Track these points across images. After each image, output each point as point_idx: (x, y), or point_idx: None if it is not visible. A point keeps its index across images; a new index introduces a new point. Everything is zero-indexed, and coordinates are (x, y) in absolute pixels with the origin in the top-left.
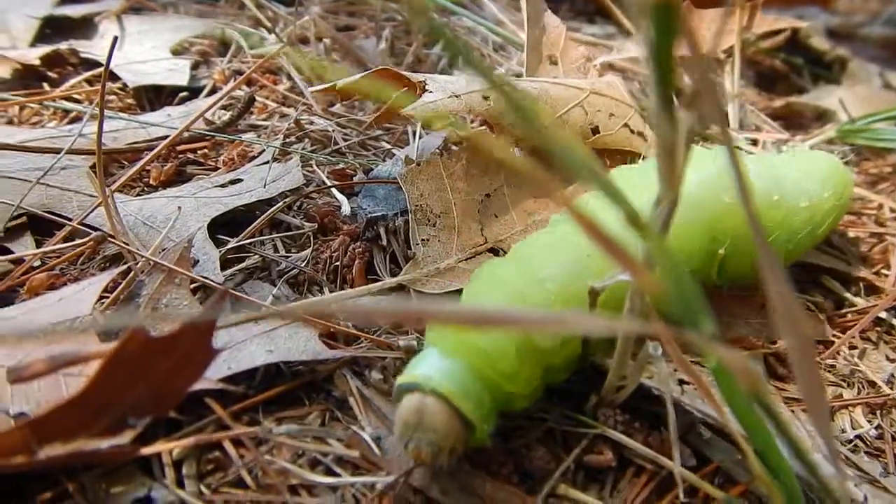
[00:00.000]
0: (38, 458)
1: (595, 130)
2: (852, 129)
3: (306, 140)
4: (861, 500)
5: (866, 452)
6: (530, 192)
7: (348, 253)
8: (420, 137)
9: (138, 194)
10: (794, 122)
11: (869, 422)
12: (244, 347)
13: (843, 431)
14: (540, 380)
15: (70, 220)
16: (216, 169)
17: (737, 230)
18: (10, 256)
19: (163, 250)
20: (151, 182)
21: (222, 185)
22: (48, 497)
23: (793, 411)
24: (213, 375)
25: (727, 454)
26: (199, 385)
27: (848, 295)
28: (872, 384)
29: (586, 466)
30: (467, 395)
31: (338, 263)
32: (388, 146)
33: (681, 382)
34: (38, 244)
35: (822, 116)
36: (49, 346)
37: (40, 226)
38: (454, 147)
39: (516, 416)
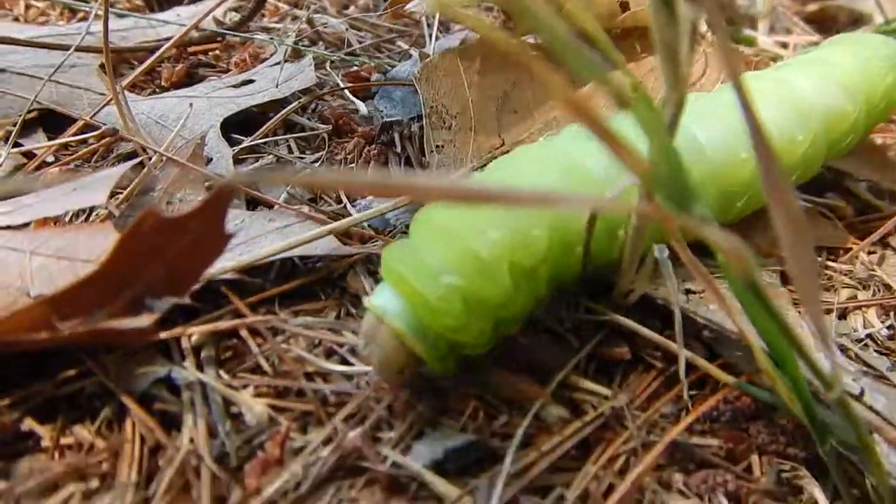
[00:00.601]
0: (60, 334)
1: (625, 6)
2: (889, 29)
3: (320, 42)
4: (857, 392)
5: (876, 350)
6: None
7: (363, 155)
8: (437, 39)
9: (150, 94)
10: (828, 25)
11: (882, 321)
12: (260, 241)
13: (855, 331)
14: (492, 331)
15: (82, 118)
16: (228, 71)
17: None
18: (22, 149)
19: (176, 148)
20: (163, 83)
21: (235, 86)
22: (71, 375)
23: (799, 312)
24: (229, 265)
25: (735, 349)
26: (216, 274)
27: (872, 199)
28: (889, 287)
29: (599, 359)
30: (417, 335)
31: (352, 166)
32: (405, 47)
33: (687, 292)
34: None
35: (858, 20)
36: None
37: (51, 124)
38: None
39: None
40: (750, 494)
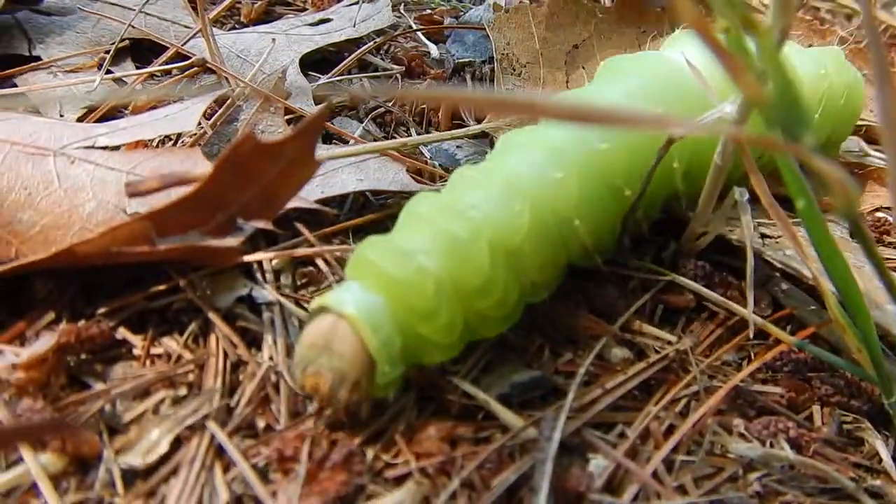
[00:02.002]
0: (157, 249)
1: None
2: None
3: None
4: None
5: None
6: (619, 42)
7: None
8: None
9: (230, 29)
10: None
11: None
12: (336, 175)
13: None
14: (460, 330)
15: (174, 46)
16: (304, 9)
17: None
18: (113, 76)
19: (257, 81)
20: (242, 19)
21: (312, 24)
22: (161, 290)
23: None
24: (308, 196)
25: (802, 303)
26: (296, 203)
27: None
28: None
29: (663, 305)
30: (375, 329)
31: (424, 106)
32: None
33: (762, 237)
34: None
35: None
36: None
37: (137, 54)
38: None
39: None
40: (811, 443)
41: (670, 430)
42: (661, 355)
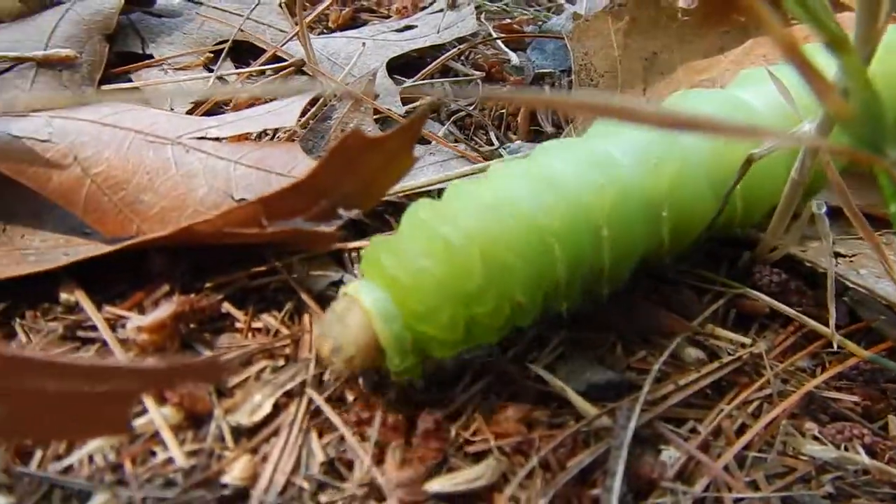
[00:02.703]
0: (265, 230)
1: None
2: None
3: None
4: None
5: None
6: (700, 47)
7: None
8: None
9: (319, 34)
10: None
11: None
12: (420, 172)
13: None
14: (464, 330)
15: (274, 47)
16: (388, 17)
17: None
18: (216, 74)
19: (348, 83)
20: (330, 24)
21: (397, 30)
22: (261, 270)
23: None
24: (396, 189)
25: (878, 313)
26: (386, 196)
27: None
28: None
29: (736, 311)
30: (386, 320)
31: (503, 111)
32: (560, 1)
33: (836, 255)
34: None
35: None
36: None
37: (238, 55)
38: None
39: (664, 270)
40: (886, 451)
41: (742, 429)
42: (734, 357)
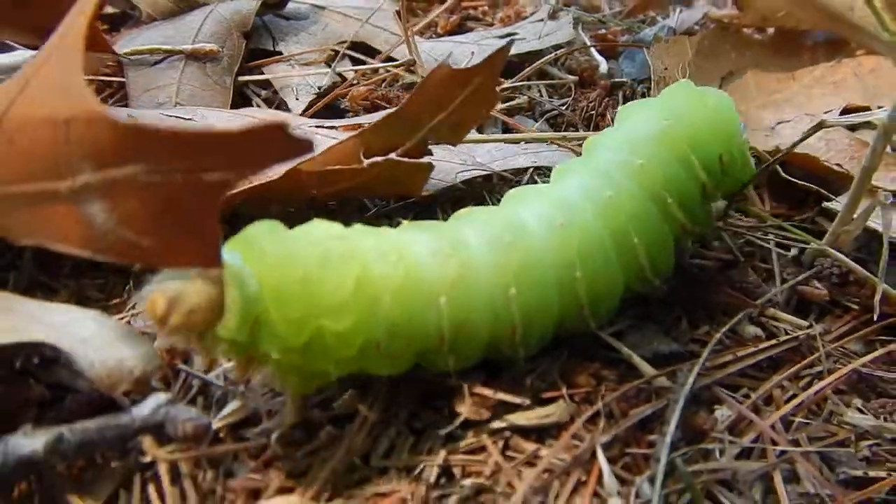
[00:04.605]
0: (364, 165)
1: None
2: None
3: (573, 6)
4: None
5: None
6: (775, 74)
7: (603, 104)
8: (680, 11)
9: (428, 38)
10: None
11: None
12: (515, 158)
13: None
14: (306, 337)
15: (379, 51)
16: (492, 25)
17: None
18: (337, 71)
19: None
20: (439, 30)
21: (500, 37)
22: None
23: None
24: (493, 166)
25: None
26: (481, 171)
27: None
28: None
29: (797, 297)
30: (240, 280)
31: (593, 112)
32: (653, 14)
33: None
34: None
35: None
36: None
37: (355, 57)
38: (712, 24)
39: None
40: None
41: (791, 398)
42: (790, 336)
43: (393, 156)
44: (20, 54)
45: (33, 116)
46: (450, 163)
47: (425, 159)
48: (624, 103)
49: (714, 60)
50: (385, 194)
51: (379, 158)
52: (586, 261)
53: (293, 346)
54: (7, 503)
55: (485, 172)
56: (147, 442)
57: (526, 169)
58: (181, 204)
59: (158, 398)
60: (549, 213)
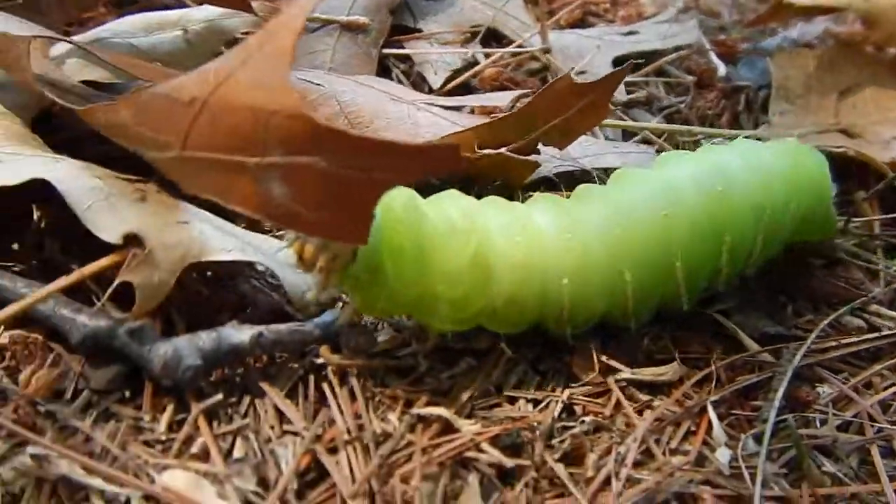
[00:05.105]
0: (475, 156)
1: None
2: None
3: (694, 10)
4: None
5: None
6: (892, 92)
7: (720, 105)
8: (800, 25)
9: (552, 30)
10: None
11: None
12: (604, 156)
13: None
14: (416, 296)
15: (508, 37)
16: (613, 21)
17: None
18: (470, 52)
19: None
20: (561, 22)
21: (622, 34)
22: None
23: None
24: (583, 161)
25: None
26: (569, 167)
27: None
28: None
29: None
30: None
31: (709, 111)
32: (773, 25)
33: None
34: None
35: None
36: None
37: (486, 39)
38: (831, 39)
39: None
40: None
41: (890, 386)
42: (893, 332)
43: (504, 150)
44: None
45: (239, 103)
46: (545, 154)
47: (532, 157)
48: (746, 106)
49: (834, 75)
50: (490, 182)
51: (491, 151)
52: (688, 249)
53: (400, 301)
54: (208, 383)
55: (576, 168)
56: (323, 349)
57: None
58: (349, 191)
59: (335, 313)
60: (661, 199)
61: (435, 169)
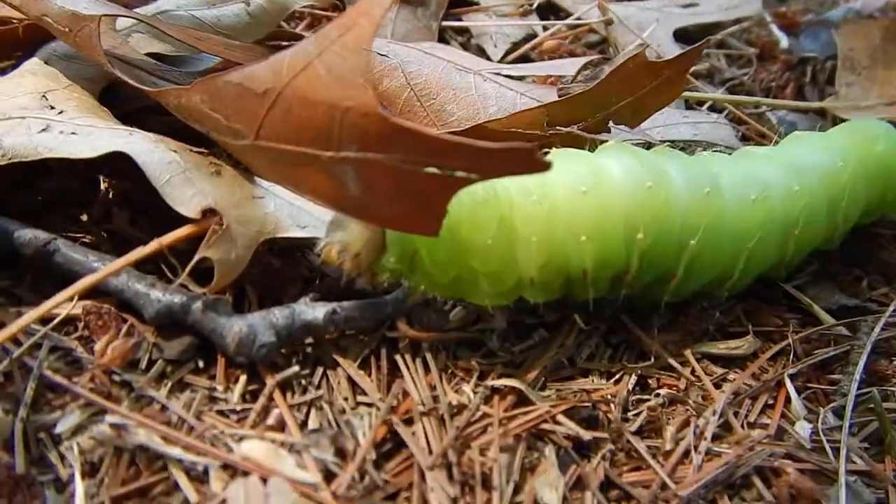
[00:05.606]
0: (546, 133)
1: None
2: None
3: None
4: None
5: None
6: None
7: (784, 77)
8: None
9: (611, 2)
10: None
11: None
12: (676, 128)
13: None
14: (454, 277)
15: (565, 10)
16: None
17: None
18: (532, 24)
19: (632, 44)
20: None
21: (682, 6)
22: None
23: None
24: (652, 133)
25: None
26: (640, 137)
27: None
28: None
29: None
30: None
31: (773, 84)
32: None
33: None
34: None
35: None
36: None
37: (542, 12)
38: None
39: None
40: None
41: None
42: None
43: (575, 129)
44: None
45: (314, 97)
46: (614, 127)
47: (602, 136)
48: (812, 78)
49: None
50: None
51: (562, 129)
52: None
53: (440, 282)
54: (280, 355)
55: (643, 140)
56: (400, 322)
57: (687, 142)
58: (422, 188)
59: (406, 290)
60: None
61: (510, 170)
